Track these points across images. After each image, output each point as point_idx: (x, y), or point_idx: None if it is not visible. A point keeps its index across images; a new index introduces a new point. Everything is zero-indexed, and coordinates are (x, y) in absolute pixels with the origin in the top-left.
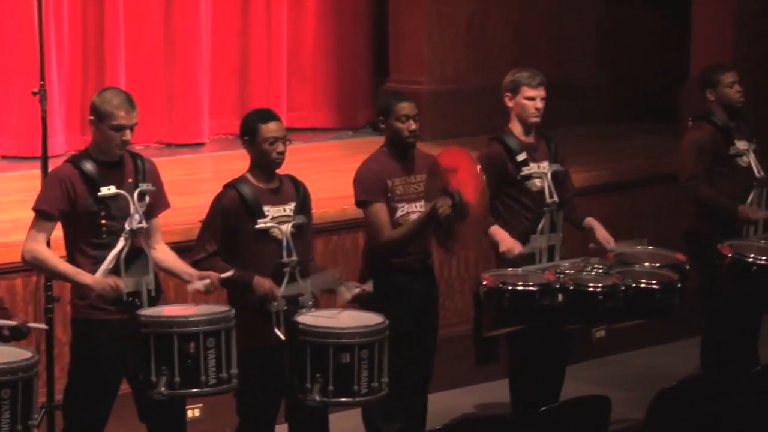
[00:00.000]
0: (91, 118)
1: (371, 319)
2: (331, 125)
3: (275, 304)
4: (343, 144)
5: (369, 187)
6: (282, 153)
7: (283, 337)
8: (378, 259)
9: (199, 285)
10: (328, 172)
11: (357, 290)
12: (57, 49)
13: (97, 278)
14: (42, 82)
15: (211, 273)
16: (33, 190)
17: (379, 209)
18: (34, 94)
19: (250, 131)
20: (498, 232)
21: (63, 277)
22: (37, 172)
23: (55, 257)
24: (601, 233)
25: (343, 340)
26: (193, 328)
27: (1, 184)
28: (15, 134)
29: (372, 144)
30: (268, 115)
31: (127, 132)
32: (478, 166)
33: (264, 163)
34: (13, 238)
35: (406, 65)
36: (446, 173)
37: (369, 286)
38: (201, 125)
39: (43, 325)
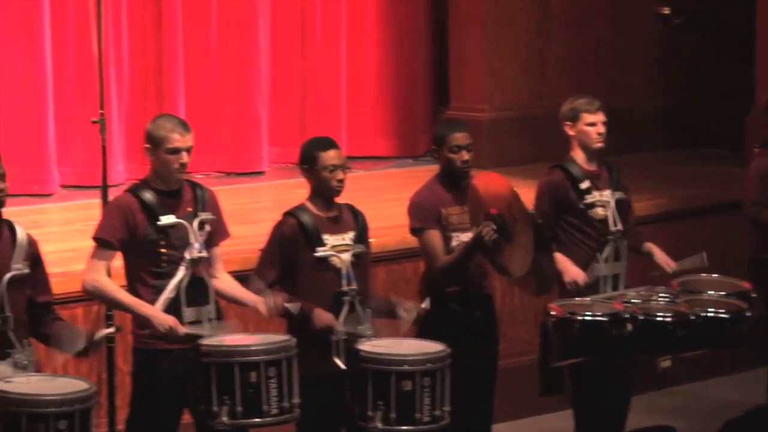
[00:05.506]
0: (147, 145)
1: (432, 347)
2: (391, 153)
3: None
4: (402, 172)
5: (422, 214)
6: (341, 181)
7: (343, 366)
8: (434, 288)
9: (263, 308)
10: (388, 201)
11: (416, 312)
12: (117, 78)
13: (157, 313)
14: (101, 111)
15: (276, 297)
16: (93, 219)
17: (433, 236)
18: (94, 122)
19: (309, 159)
20: (561, 260)
21: (123, 307)
22: (97, 201)
23: (115, 287)
24: (661, 256)
25: (405, 367)
26: (255, 357)
27: (62, 213)
28: (75, 163)
29: (432, 173)
30: (328, 143)
31: (184, 154)
32: (511, 189)
33: (323, 191)
34: (73, 268)
35: (466, 93)
36: (486, 198)
37: (426, 303)
38: (261, 154)
39: (108, 330)
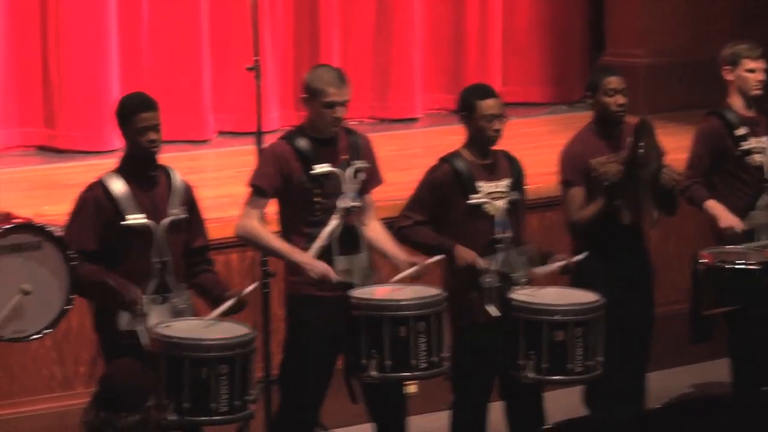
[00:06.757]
0: (304, 95)
1: (586, 296)
2: (546, 100)
3: (488, 279)
4: (557, 119)
5: (569, 167)
6: (498, 131)
7: (495, 314)
8: (586, 237)
9: (406, 273)
10: (543, 147)
11: (562, 262)
12: (272, 25)
13: (310, 260)
14: (256, 58)
15: (419, 259)
16: (247, 165)
17: (575, 193)
18: (249, 69)
19: (467, 107)
20: (715, 207)
21: (275, 253)
22: (251, 147)
23: (269, 233)
24: None
25: (556, 317)
26: (404, 312)
27: (217, 160)
28: (230, 110)
29: (587, 119)
30: (487, 92)
31: (339, 109)
32: None
33: (480, 140)
34: (228, 213)
35: (622, 38)
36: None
37: (581, 256)
38: (414, 100)
39: (254, 285)
